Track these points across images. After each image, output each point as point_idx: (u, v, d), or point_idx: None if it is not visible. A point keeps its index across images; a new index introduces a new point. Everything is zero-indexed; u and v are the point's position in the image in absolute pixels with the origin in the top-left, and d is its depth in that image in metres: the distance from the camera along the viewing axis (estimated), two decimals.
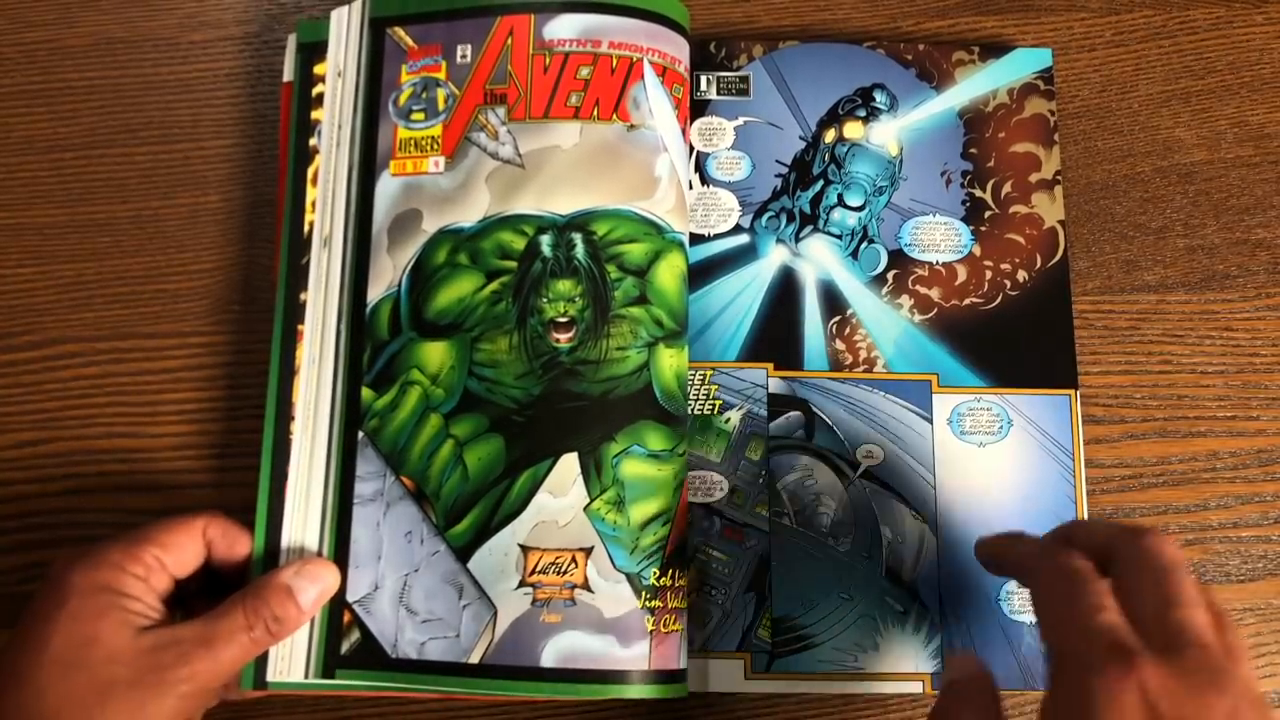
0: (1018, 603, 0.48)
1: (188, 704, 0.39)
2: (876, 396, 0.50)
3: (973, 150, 0.53)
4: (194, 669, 0.39)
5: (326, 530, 0.46)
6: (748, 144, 0.53)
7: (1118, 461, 0.51)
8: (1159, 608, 0.35)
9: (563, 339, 0.47)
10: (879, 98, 0.54)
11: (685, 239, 0.49)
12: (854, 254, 0.52)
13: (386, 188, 0.49)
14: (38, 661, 0.38)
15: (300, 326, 0.48)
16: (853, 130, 0.54)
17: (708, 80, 0.54)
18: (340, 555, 0.45)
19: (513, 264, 0.47)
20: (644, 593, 0.45)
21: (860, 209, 0.53)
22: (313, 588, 0.43)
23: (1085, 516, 0.49)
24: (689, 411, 0.49)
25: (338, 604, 0.45)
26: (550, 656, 0.44)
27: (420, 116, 0.49)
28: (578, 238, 0.47)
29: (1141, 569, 0.36)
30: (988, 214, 0.53)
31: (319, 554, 0.45)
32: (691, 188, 0.52)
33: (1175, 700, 0.33)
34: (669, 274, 0.48)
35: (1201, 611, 0.35)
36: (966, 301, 0.52)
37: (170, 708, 0.38)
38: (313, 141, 0.50)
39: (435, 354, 0.47)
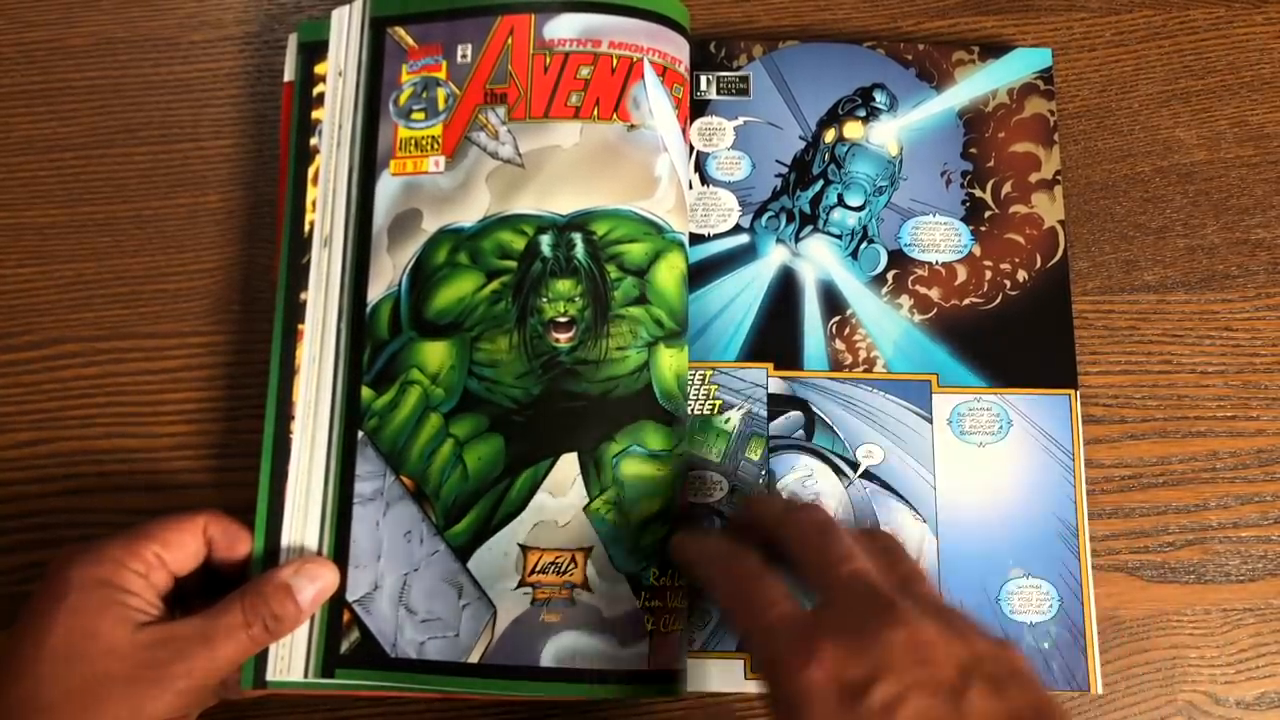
0: (1018, 603, 0.48)
1: (185, 700, 0.39)
2: (876, 396, 0.50)
3: (973, 150, 0.53)
4: (192, 665, 0.39)
5: (326, 529, 0.46)
6: (748, 144, 0.53)
7: (1118, 461, 0.51)
8: (821, 570, 0.37)
9: (562, 339, 0.47)
10: (879, 98, 0.54)
11: (685, 239, 0.49)
12: (854, 254, 0.52)
13: (387, 187, 0.49)
14: (36, 655, 0.38)
15: (300, 326, 0.48)
16: (853, 130, 0.54)
17: (708, 80, 0.54)
18: (340, 554, 0.45)
19: (513, 264, 0.48)
20: (643, 592, 0.45)
21: (860, 209, 0.53)
22: (312, 586, 0.43)
23: (1086, 517, 0.49)
24: (689, 411, 0.49)
25: (337, 603, 0.45)
26: (550, 656, 0.44)
27: (420, 116, 0.50)
28: (578, 237, 0.47)
29: (800, 536, 0.39)
30: (988, 214, 0.53)
31: (318, 553, 0.45)
32: (691, 188, 0.52)
33: (853, 657, 0.34)
34: (669, 274, 0.48)
35: (857, 561, 0.37)
36: (966, 301, 0.52)
37: (167, 704, 0.38)
38: (313, 141, 0.50)
39: (435, 353, 0.47)
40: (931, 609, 0.36)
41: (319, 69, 0.51)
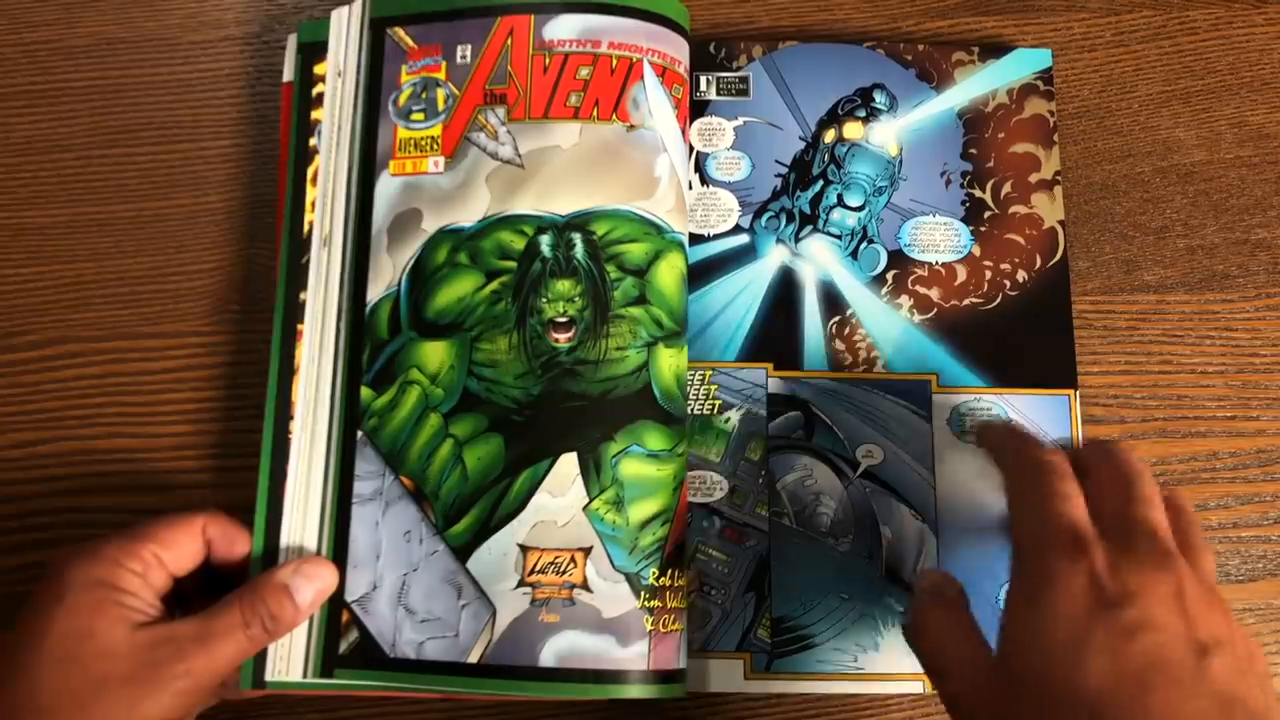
0: None
1: (184, 701, 0.39)
2: (876, 396, 0.50)
3: (972, 150, 0.53)
4: (190, 666, 0.39)
5: (325, 529, 0.46)
6: (747, 144, 0.53)
7: None
8: (1119, 505, 0.38)
9: (562, 339, 0.47)
10: (879, 98, 0.54)
11: (685, 239, 0.49)
12: (854, 254, 0.52)
13: (386, 187, 0.49)
14: (34, 655, 0.38)
15: (300, 326, 0.48)
16: (852, 130, 0.54)
17: (708, 80, 0.54)
18: (339, 554, 0.45)
19: (512, 264, 0.48)
20: (643, 593, 0.45)
21: (860, 209, 0.53)
22: (310, 587, 0.43)
23: None
24: (689, 411, 0.49)
25: (336, 603, 0.45)
26: (549, 656, 0.44)
27: (420, 116, 0.50)
28: (577, 238, 0.47)
29: (1107, 474, 0.39)
30: (987, 214, 0.53)
31: (317, 553, 0.45)
32: (691, 188, 0.52)
33: (1119, 576, 0.35)
34: (669, 274, 0.48)
35: (1157, 510, 0.38)
36: (966, 301, 0.52)
37: (166, 704, 0.38)
38: (313, 141, 0.50)
39: (435, 353, 0.47)
40: (1207, 582, 0.37)
41: (318, 69, 0.51)
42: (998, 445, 0.43)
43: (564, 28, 0.49)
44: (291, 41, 0.51)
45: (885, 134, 0.54)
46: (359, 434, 0.47)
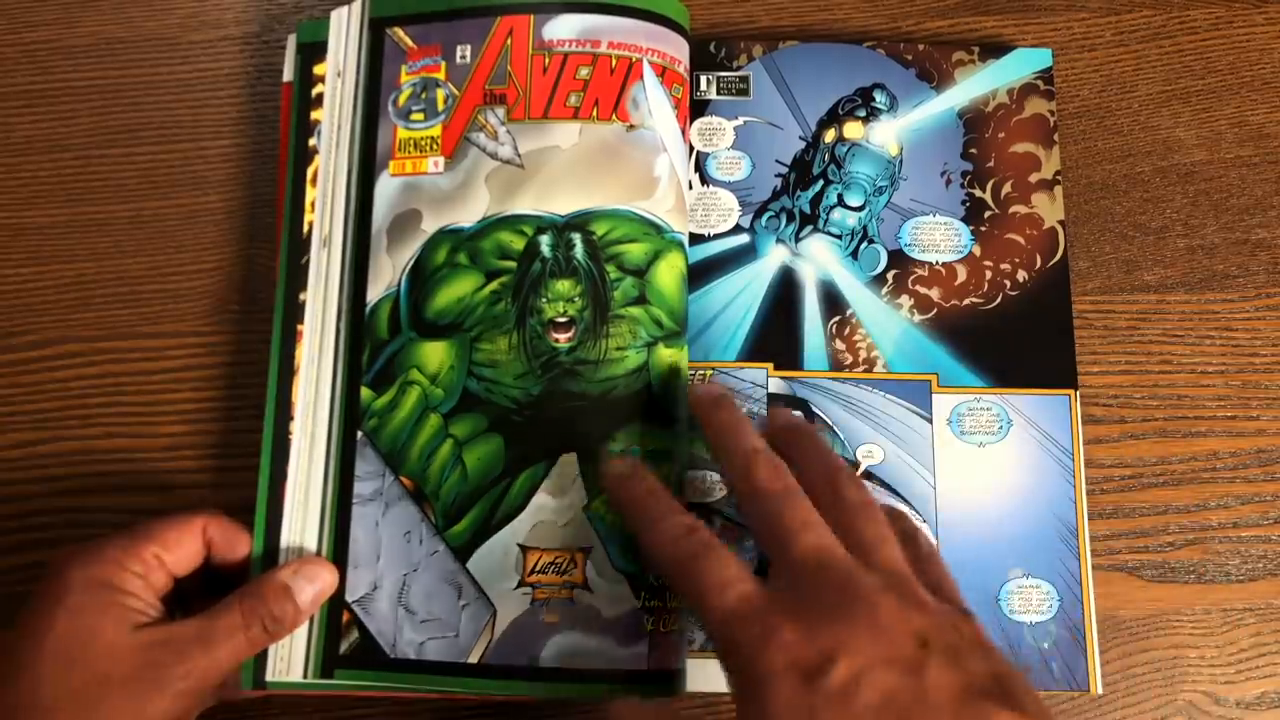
0: (1018, 603, 0.48)
1: (184, 702, 0.39)
2: (876, 396, 0.50)
3: (973, 150, 0.53)
4: (190, 667, 0.39)
5: (325, 530, 0.46)
6: (748, 144, 0.53)
7: (1118, 461, 0.51)
8: (777, 543, 0.37)
9: (562, 339, 0.47)
10: (879, 98, 0.54)
11: (685, 239, 0.49)
12: (854, 254, 0.52)
13: (386, 188, 0.49)
14: (34, 656, 0.38)
15: (300, 326, 0.48)
16: (853, 130, 0.54)
17: (708, 80, 0.54)
18: (339, 555, 0.45)
19: (512, 264, 0.48)
20: (643, 593, 0.45)
21: (860, 209, 0.53)
22: (310, 587, 0.43)
23: (1086, 517, 0.49)
24: (689, 411, 0.49)
25: (336, 604, 0.45)
26: (549, 656, 0.44)
27: (420, 117, 0.50)
28: (577, 238, 0.47)
29: (752, 501, 0.39)
30: (988, 214, 0.53)
31: (317, 554, 0.45)
32: (691, 188, 0.52)
33: (815, 640, 0.33)
34: (668, 274, 0.48)
35: (815, 531, 0.36)
36: (966, 301, 0.52)
37: (166, 705, 0.38)
38: (312, 141, 0.50)
39: (434, 354, 0.47)
40: (892, 579, 0.36)
41: (318, 69, 0.51)
42: (641, 520, 0.41)
43: (563, 28, 0.49)
44: (291, 41, 0.51)
45: (885, 134, 0.54)
46: (359, 434, 0.47)
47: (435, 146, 0.49)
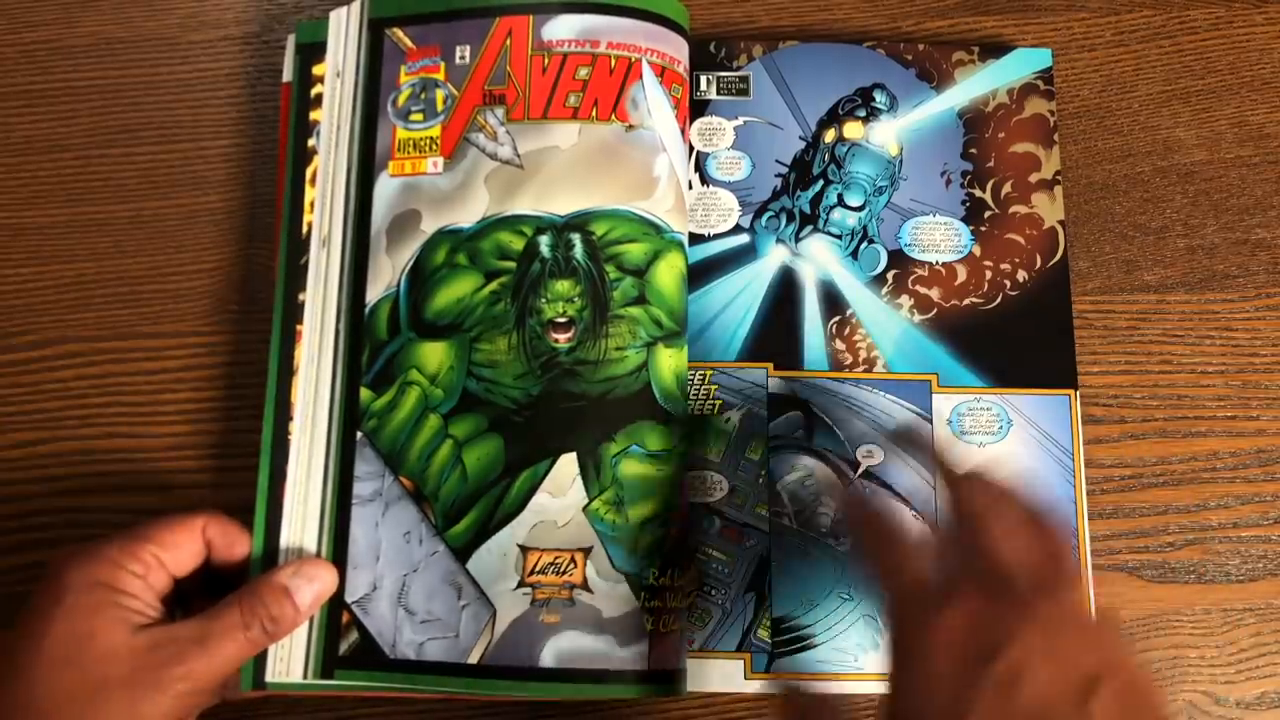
0: None
1: (183, 703, 0.39)
2: (876, 396, 0.50)
3: (973, 150, 0.53)
4: (190, 668, 0.39)
5: (325, 530, 0.46)
6: (748, 144, 0.53)
7: (1118, 461, 0.51)
8: (977, 546, 0.36)
9: (561, 339, 0.47)
10: (879, 98, 0.54)
11: (684, 239, 0.49)
12: (854, 254, 0.52)
13: (385, 188, 0.49)
14: (33, 658, 0.38)
15: (299, 326, 0.48)
16: (853, 130, 0.54)
17: (708, 80, 0.54)
18: (338, 555, 0.45)
19: (511, 264, 0.47)
20: (643, 593, 0.45)
21: (860, 209, 0.53)
22: (310, 588, 0.43)
23: (1086, 517, 0.49)
24: (688, 411, 0.49)
25: (336, 604, 0.45)
26: (549, 656, 0.44)
27: (419, 117, 0.50)
28: (576, 238, 0.47)
29: (964, 512, 0.38)
30: (988, 214, 0.53)
31: (317, 554, 0.45)
32: (691, 188, 0.52)
33: (991, 627, 0.33)
34: (668, 274, 0.48)
35: (1015, 546, 0.36)
36: (966, 301, 0.51)
37: (165, 706, 0.38)
38: (311, 142, 0.50)
39: (434, 354, 0.47)
40: (1079, 615, 0.35)
41: (317, 70, 0.51)
42: (858, 518, 0.42)
43: (563, 28, 0.49)
44: (291, 42, 0.51)
45: (885, 134, 0.53)
46: (358, 434, 0.47)
47: (434, 147, 0.49)
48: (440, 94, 0.50)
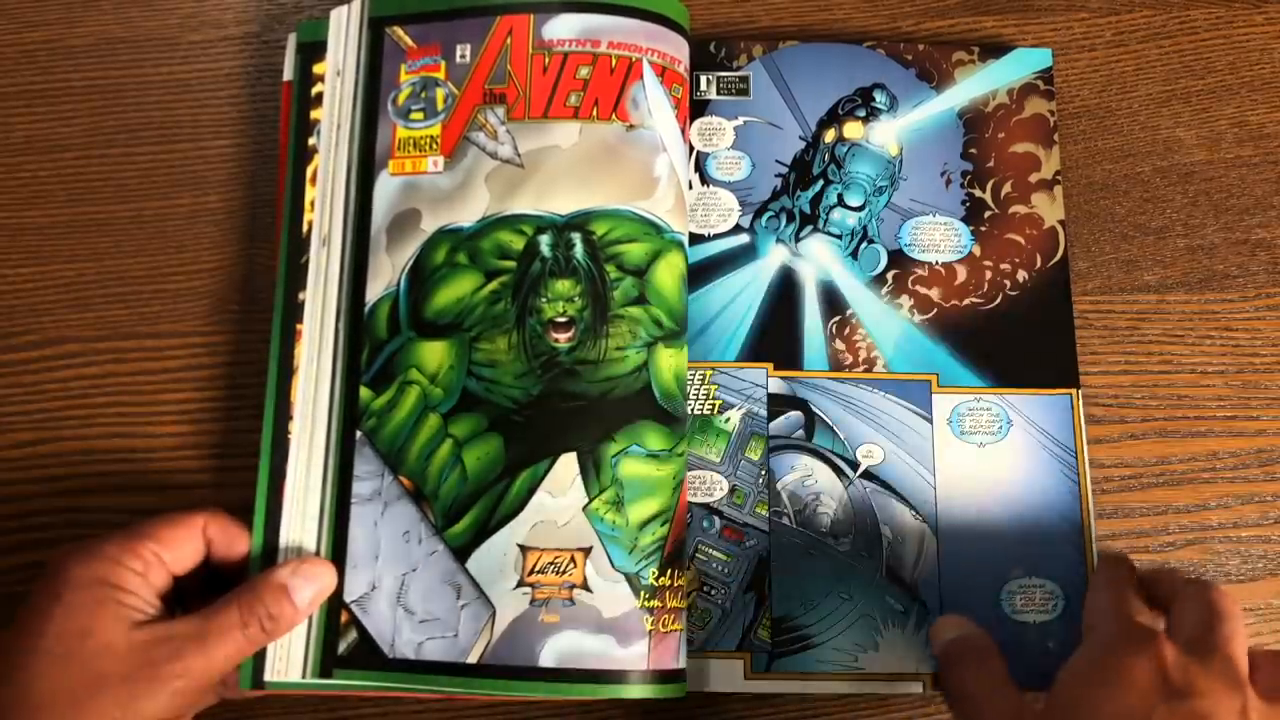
0: (1020, 602, 0.48)
1: (181, 700, 0.39)
2: (876, 396, 0.50)
3: (973, 150, 0.53)
4: (187, 665, 0.39)
5: (324, 529, 0.46)
6: (747, 144, 0.53)
7: (1118, 461, 0.51)
8: (1202, 630, 0.38)
9: (562, 339, 0.47)
10: (879, 98, 0.54)
11: (685, 239, 0.49)
12: (854, 254, 0.52)
13: (385, 187, 0.49)
14: (32, 654, 0.38)
15: (299, 326, 0.48)
16: (852, 130, 0.54)
17: (708, 80, 0.54)
18: (338, 555, 0.45)
19: (512, 264, 0.47)
20: (643, 592, 0.45)
21: (860, 209, 0.53)
22: (309, 587, 0.43)
23: (1093, 516, 0.49)
24: (689, 411, 0.49)
25: (335, 604, 0.45)
26: (549, 656, 0.44)
27: (419, 116, 0.50)
28: (577, 237, 0.47)
29: (1196, 601, 0.40)
30: (987, 214, 0.53)
31: (316, 553, 0.45)
32: (691, 188, 0.52)
33: (1186, 675, 0.36)
34: (668, 274, 0.48)
35: (1238, 644, 0.38)
36: (966, 301, 0.51)
37: (163, 703, 0.38)
38: (312, 141, 0.50)
39: (434, 353, 0.47)
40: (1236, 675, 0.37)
41: (318, 69, 0.51)
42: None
43: (563, 27, 0.49)
44: (291, 41, 0.51)
45: (885, 134, 0.53)
46: (358, 434, 0.47)
47: (435, 146, 0.49)
48: (440, 93, 0.50)
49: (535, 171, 0.48)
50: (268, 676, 0.44)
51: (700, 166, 0.53)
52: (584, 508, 0.45)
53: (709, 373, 0.50)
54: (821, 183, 0.53)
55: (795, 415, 0.50)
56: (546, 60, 0.49)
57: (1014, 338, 0.51)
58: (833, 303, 0.51)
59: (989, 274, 0.52)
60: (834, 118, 0.54)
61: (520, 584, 0.45)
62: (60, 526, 0.49)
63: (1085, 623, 0.42)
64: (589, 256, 0.47)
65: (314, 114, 0.50)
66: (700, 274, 0.51)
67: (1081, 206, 0.54)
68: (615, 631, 0.44)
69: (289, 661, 0.44)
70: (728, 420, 0.50)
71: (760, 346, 0.51)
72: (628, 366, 0.46)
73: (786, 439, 0.50)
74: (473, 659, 0.44)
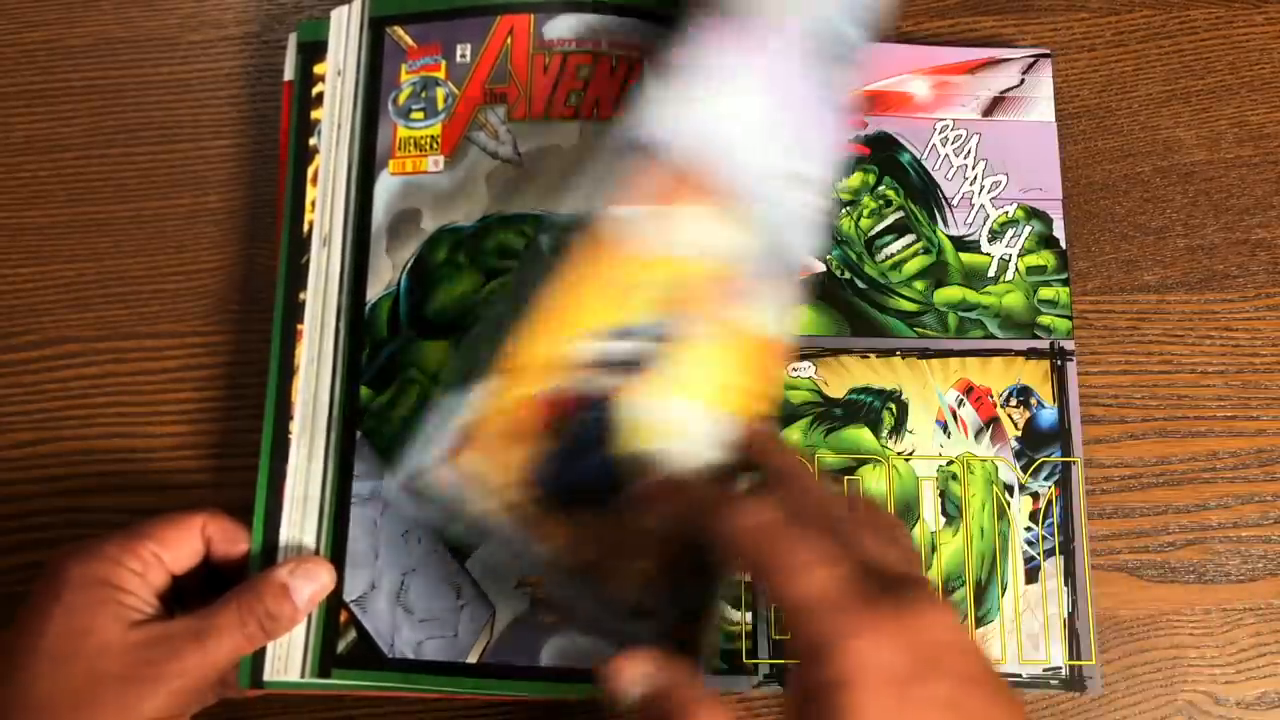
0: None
1: (179, 699, 0.39)
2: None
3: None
4: (185, 664, 0.39)
5: (324, 529, 0.46)
6: None
7: (1118, 461, 0.51)
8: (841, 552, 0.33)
9: None
10: None
11: None
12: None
13: (386, 187, 0.49)
14: (31, 653, 0.38)
15: (299, 325, 0.48)
16: None
17: None
18: (337, 554, 0.45)
19: (512, 263, 0.47)
20: None
21: None
22: (308, 586, 0.43)
23: (1085, 516, 0.49)
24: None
25: (334, 603, 0.45)
26: (549, 656, 0.44)
27: (420, 116, 0.50)
28: None
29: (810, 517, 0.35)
30: None
31: (316, 553, 0.45)
32: None
33: (906, 647, 0.31)
34: None
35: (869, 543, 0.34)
36: None
37: (161, 702, 0.38)
38: (312, 141, 0.50)
39: (434, 353, 0.47)
40: (935, 597, 0.33)
41: (318, 69, 0.51)
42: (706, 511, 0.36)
43: (564, 27, 0.49)
44: (291, 41, 0.51)
45: None
46: (358, 434, 0.47)
47: (435, 145, 0.49)
48: (441, 92, 0.50)
49: (535, 171, 0.48)
50: (267, 676, 0.44)
51: None
52: None
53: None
54: None
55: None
56: (547, 60, 0.49)
57: None
58: None
59: None
60: None
61: (520, 584, 0.45)
62: (60, 526, 0.49)
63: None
64: None
65: (314, 114, 0.50)
66: None
67: (1081, 206, 0.54)
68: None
69: (288, 661, 0.44)
70: None
71: None
72: None
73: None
74: (472, 659, 0.44)
